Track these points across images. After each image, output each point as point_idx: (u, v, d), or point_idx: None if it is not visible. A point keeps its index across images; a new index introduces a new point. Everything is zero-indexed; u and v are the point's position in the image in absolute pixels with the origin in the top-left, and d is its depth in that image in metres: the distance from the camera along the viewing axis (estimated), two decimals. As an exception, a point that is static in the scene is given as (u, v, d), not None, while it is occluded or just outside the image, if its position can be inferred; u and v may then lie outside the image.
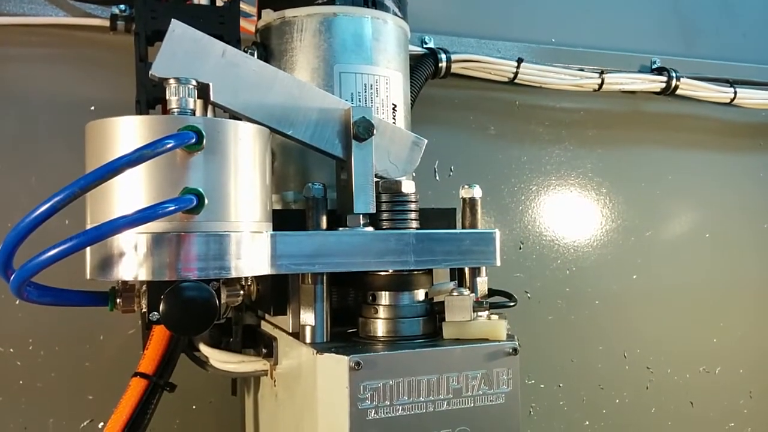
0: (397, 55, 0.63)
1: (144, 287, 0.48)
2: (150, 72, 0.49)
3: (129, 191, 0.44)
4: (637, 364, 1.10)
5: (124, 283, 0.49)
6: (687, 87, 1.10)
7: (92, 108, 0.83)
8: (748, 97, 1.15)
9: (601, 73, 1.04)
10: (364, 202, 0.53)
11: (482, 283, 0.58)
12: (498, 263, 0.57)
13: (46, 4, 0.80)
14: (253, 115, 0.52)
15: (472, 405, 0.51)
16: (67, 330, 0.81)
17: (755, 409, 1.18)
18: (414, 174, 0.62)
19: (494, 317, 0.54)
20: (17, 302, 0.76)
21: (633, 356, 1.10)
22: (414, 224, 0.55)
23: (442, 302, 0.54)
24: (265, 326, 0.63)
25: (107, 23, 0.80)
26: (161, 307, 0.45)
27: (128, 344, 0.81)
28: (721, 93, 1.13)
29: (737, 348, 1.17)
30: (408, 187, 0.56)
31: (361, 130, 0.53)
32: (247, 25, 0.71)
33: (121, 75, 0.71)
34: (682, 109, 1.16)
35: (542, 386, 1.05)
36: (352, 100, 0.59)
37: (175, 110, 0.46)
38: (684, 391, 1.12)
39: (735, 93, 1.14)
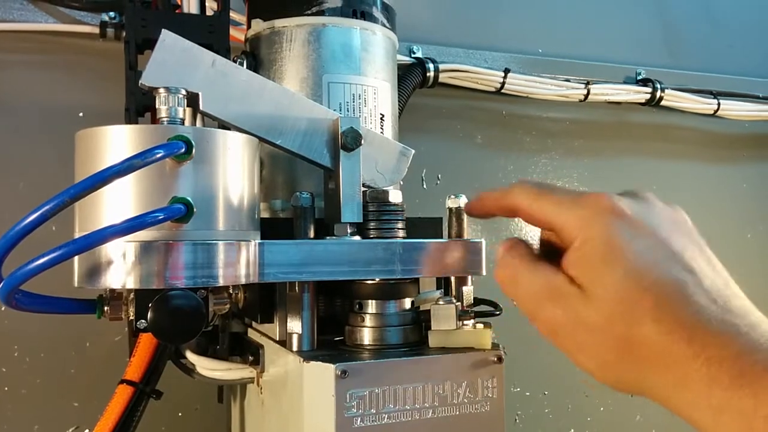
0: (385, 65, 0.64)
1: (132, 295, 0.48)
2: (140, 81, 0.49)
3: (118, 200, 0.44)
4: (622, 372, 1.11)
5: (112, 291, 0.49)
6: (671, 98, 1.12)
7: (81, 114, 0.83)
8: (731, 108, 1.16)
9: (587, 83, 1.05)
10: (351, 211, 0.54)
11: (468, 292, 0.58)
12: (484, 272, 0.58)
13: (36, 11, 0.80)
14: (242, 124, 0.52)
15: (458, 413, 0.51)
16: (53, 337, 0.81)
17: (738, 417, 1.19)
18: (401, 183, 0.63)
19: (480, 326, 0.54)
20: (2, 309, 0.76)
21: (617, 364, 1.10)
22: (401, 233, 0.56)
23: (428, 311, 0.55)
24: (252, 334, 0.63)
25: (97, 30, 0.80)
26: (149, 315, 0.46)
27: (114, 351, 0.81)
28: (705, 104, 1.15)
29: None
30: (395, 196, 0.56)
31: (349, 140, 0.54)
32: (237, 34, 0.72)
33: (110, 82, 0.72)
34: (666, 119, 1.17)
35: (528, 394, 1.06)
36: (340, 110, 0.60)
37: (165, 119, 0.47)
38: (668, 399, 1.13)
39: (719, 104, 1.15)
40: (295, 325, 0.54)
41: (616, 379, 0.42)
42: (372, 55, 0.63)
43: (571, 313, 0.42)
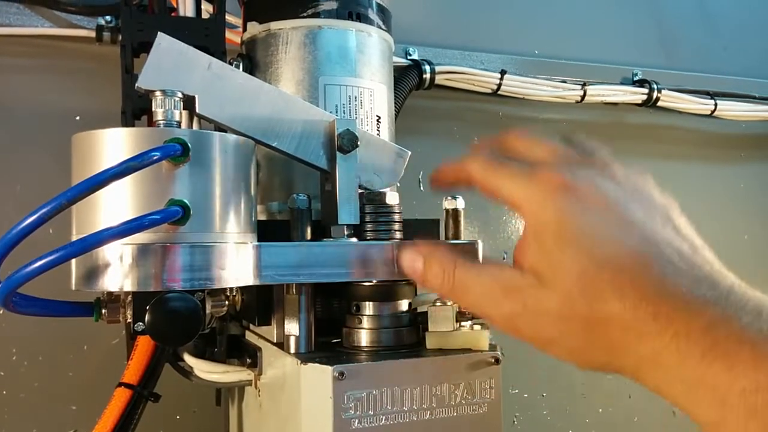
0: (381, 67, 0.64)
1: (129, 298, 0.48)
2: (136, 84, 0.49)
3: (115, 202, 0.44)
4: (620, 373, 1.11)
5: (110, 293, 0.49)
6: (668, 99, 1.12)
7: (77, 118, 0.83)
8: (728, 108, 1.17)
9: (584, 84, 1.06)
10: (348, 213, 0.54)
11: (465, 294, 0.58)
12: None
13: (31, 15, 0.80)
14: (239, 127, 0.52)
15: (455, 414, 0.51)
16: (51, 340, 0.81)
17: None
18: (398, 184, 0.63)
19: (477, 327, 0.54)
20: (0, 312, 0.76)
21: (615, 365, 1.10)
22: (398, 235, 0.56)
23: (426, 313, 0.55)
24: (250, 336, 0.63)
25: (93, 34, 0.80)
26: (147, 317, 0.46)
27: (112, 354, 0.80)
28: (701, 105, 1.15)
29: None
30: (392, 198, 0.56)
31: (345, 142, 0.54)
32: (233, 37, 0.72)
33: (106, 85, 0.72)
34: (663, 120, 1.17)
35: (526, 396, 1.06)
36: (336, 112, 0.60)
37: (161, 122, 0.47)
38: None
39: (715, 105, 1.15)
40: (292, 328, 0.54)
41: (589, 362, 0.40)
42: (368, 57, 0.63)
43: (530, 305, 0.40)
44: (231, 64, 0.61)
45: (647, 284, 0.37)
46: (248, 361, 0.61)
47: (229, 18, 0.68)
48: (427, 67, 0.95)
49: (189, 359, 0.63)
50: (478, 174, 0.45)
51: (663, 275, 0.37)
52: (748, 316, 0.35)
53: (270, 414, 0.58)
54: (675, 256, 0.38)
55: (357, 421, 0.48)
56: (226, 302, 0.53)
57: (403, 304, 0.57)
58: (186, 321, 0.46)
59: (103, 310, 0.50)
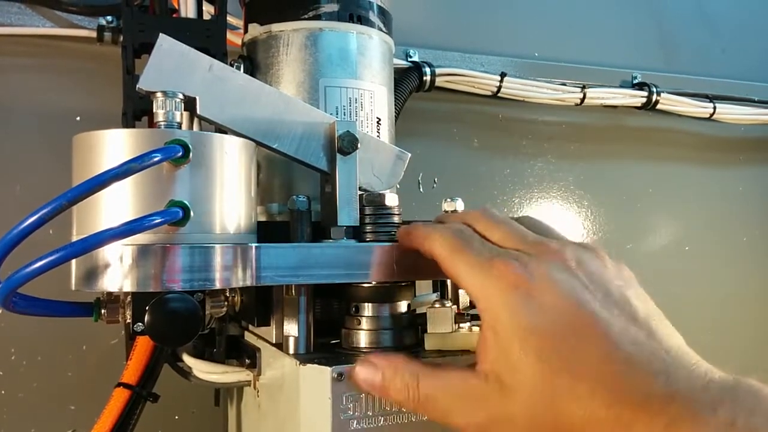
0: (381, 69, 0.64)
1: (129, 298, 0.48)
2: (137, 85, 0.50)
3: (115, 203, 0.45)
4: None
5: (109, 294, 0.49)
6: (667, 102, 1.12)
7: (78, 118, 0.83)
8: (727, 112, 1.17)
9: (583, 87, 1.06)
10: (348, 214, 0.54)
11: (464, 295, 0.58)
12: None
13: (33, 15, 0.80)
14: (239, 128, 0.52)
15: (454, 416, 0.51)
16: (50, 340, 0.81)
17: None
18: (398, 186, 0.63)
19: (476, 329, 0.54)
20: (0, 312, 0.76)
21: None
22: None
23: (424, 314, 0.55)
24: (249, 337, 0.63)
25: (94, 34, 0.80)
26: (146, 318, 0.46)
27: (111, 354, 0.80)
28: (700, 108, 1.15)
29: (716, 359, 1.18)
30: (391, 200, 0.56)
31: (345, 144, 0.54)
32: (234, 38, 0.72)
33: (107, 86, 0.72)
34: (662, 123, 1.17)
35: (524, 397, 1.06)
36: (337, 114, 0.60)
37: (162, 123, 0.47)
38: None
39: (714, 108, 1.15)
40: (291, 328, 0.54)
41: None
42: (368, 59, 0.63)
43: (494, 416, 0.40)
44: (232, 65, 0.61)
45: (606, 388, 0.36)
46: (247, 361, 0.61)
47: (230, 19, 0.68)
48: (428, 69, 0.95)
49: (188, 359, 0.63)
50: (441, 254, 0.45)
51: (621, 374, 0.37)
52: (705, 410, 0.35)
53: (269, 414, 0.58)
54: (631, 347, 0.38)
55: (355, 421, 0.48)
56: (226, 303, 0.53)
57: (402, 306, 0.57)
58: (185, 322, 0.46)
59: (103, 311, 0.50)
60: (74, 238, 0.46)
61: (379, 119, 0.63)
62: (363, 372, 0.46)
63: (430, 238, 0.46)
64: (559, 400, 0.37)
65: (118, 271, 0.45)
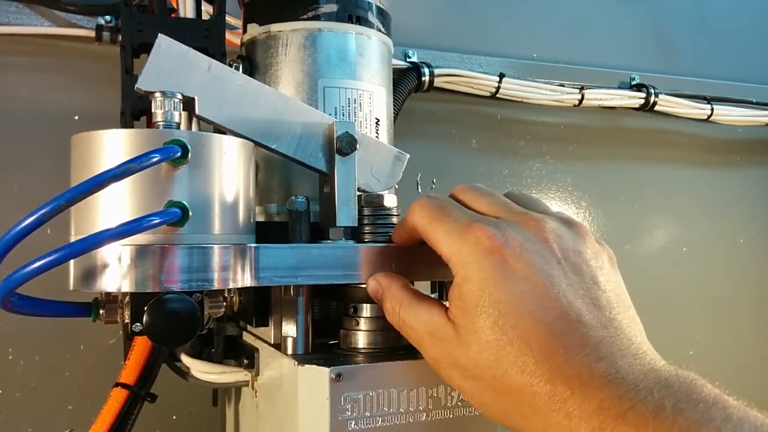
0: (380, 70, 0.64)
1: (127, 298, 0.48)
2: (136, 85, 0.50)
3: (114, 204, 0.44)
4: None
5: (108, 294, 0.49)
6: (665, 103, 1.12)
7: (76, 118, 0.83)
8: (724, 113, 1.17)
9: (581, 88, 1.06)
10: (346, 215, 0.54)
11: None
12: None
13: (31, 14, 0.80)
14: (238, 129, 0.52)
15: (452, 416, 0.51)
16: (48, 339, 0.81)
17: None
18: (397, 187, 0.63)
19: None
20: (-2, 311, 0.76)
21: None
22: (396, 237, 0.56)
23: (423, 315, 0.55)
24: (247, 337, 0.63)
25: (93, 34, 0.80)
26: (144, 318, 0.46)
27: (109, 354, 0.81)
28: (698, 109, 1.15)
29: (713, 362, 1.19)
30: (390, 200, 0.56)
31: (344, 145, 0.54)
32: (233, 38, 0.72)
33: (105, 85, 0.72)
34: (660, 124, 1.17)
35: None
36: (335, 115, 0.60)
37: (161, 124, 0.47)
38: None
39: (712, 109, 1.16)
40: (289, 329, 0.54)
41: (495, 418, 0.43)
42: (367, 59, 0.63)
43: (447, 356, 0.43)
44: (231, 65, 0.61)
45: (550, 365, 0.38)
46: (245, 361, 0.61)
47: (229, 19, 0.68)
48: (426, 70, 0.95)
49: (186, 360, 0.63)
50: (419, 222, 0.47)
51: (567, 356, 0.38)
52: (640, 394, 0.36)
53: (267, 415, 0.58)
54: (584, 330, 0.39)
55: (354, 422, 0.48)
56: (224, 303, 0.53)
57: (401, 307, 0.57)
58: (184, 322, 0.46)
59: (101, 311, 0.50)
60: (72, 239, 0.46)
61: (378, 120, 0.63)
62: (370, 285, 0.51)
63: (411, 210, 0.48)
64: (505, 364, 0.39)
65: (116, 271, 0.45)
